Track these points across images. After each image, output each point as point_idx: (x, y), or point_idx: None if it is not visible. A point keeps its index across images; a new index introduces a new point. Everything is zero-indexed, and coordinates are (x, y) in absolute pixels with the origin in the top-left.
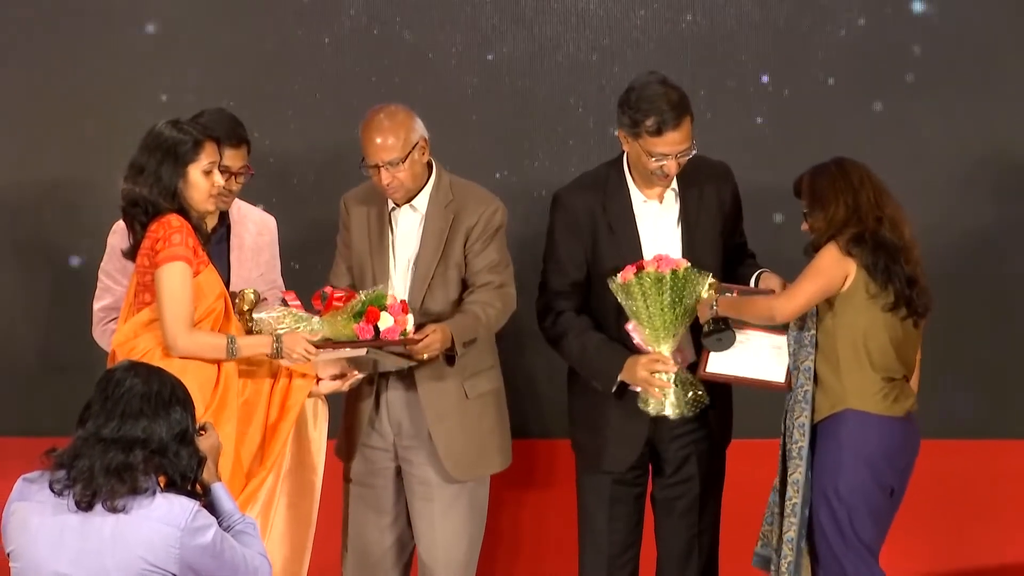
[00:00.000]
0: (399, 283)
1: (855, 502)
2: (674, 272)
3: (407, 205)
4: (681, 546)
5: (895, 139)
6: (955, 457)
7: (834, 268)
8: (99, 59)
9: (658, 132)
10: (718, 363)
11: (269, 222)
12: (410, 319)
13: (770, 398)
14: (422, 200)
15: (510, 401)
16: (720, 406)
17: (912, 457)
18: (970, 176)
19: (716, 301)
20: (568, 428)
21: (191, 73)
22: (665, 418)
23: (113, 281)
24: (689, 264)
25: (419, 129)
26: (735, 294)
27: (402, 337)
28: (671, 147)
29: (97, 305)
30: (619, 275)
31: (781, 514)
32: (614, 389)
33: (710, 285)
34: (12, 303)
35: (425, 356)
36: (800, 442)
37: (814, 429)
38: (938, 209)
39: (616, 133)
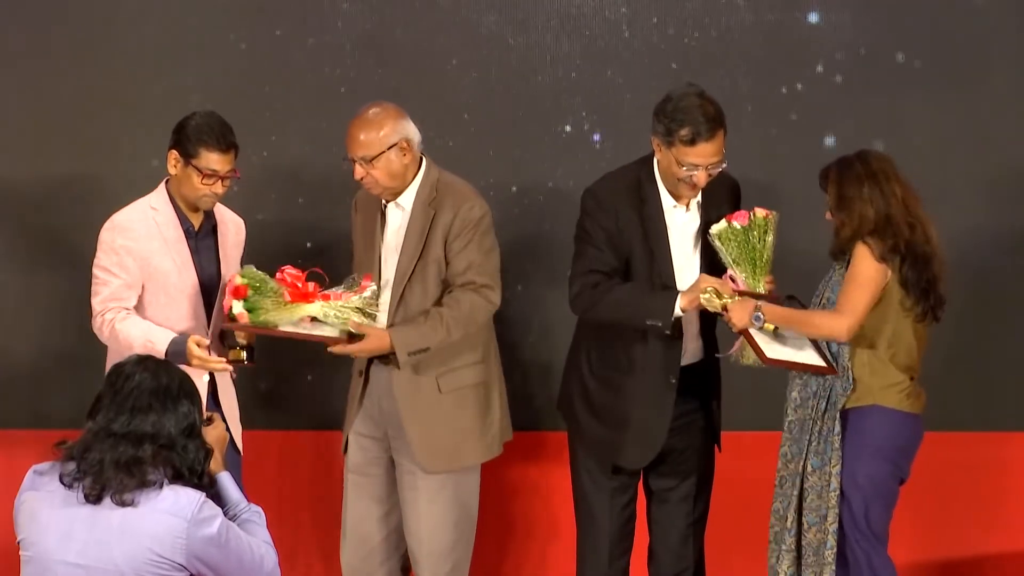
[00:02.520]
0: (384, 281)
1: (872, 493)
2: (768, 217)
3: (393, 203)
4: (676, 535)
5: (890, 139)
6: (944, 449)
7: (877, 275)
8: (104, 58)
9: (691, 142)
10: (774, 351)
11: (241, 224)
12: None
13: (759, 391)
14: (407, 198)
15: (515, 394)
16: (715, 399)
17: (918, 450)
18: (968, 174)
19: (761, 310)
20: (573, 419)
21: (194, 73)
22: (674, 411)
23: (109, 275)
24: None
25: (402, 130)
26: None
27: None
28: (703, 158)
29: (95, 300)
30: (734, 220)
31: (799, 504)
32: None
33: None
34: (21, 297)
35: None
36: (840, 434)
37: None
38: (933, 207)
39: (651, 140)
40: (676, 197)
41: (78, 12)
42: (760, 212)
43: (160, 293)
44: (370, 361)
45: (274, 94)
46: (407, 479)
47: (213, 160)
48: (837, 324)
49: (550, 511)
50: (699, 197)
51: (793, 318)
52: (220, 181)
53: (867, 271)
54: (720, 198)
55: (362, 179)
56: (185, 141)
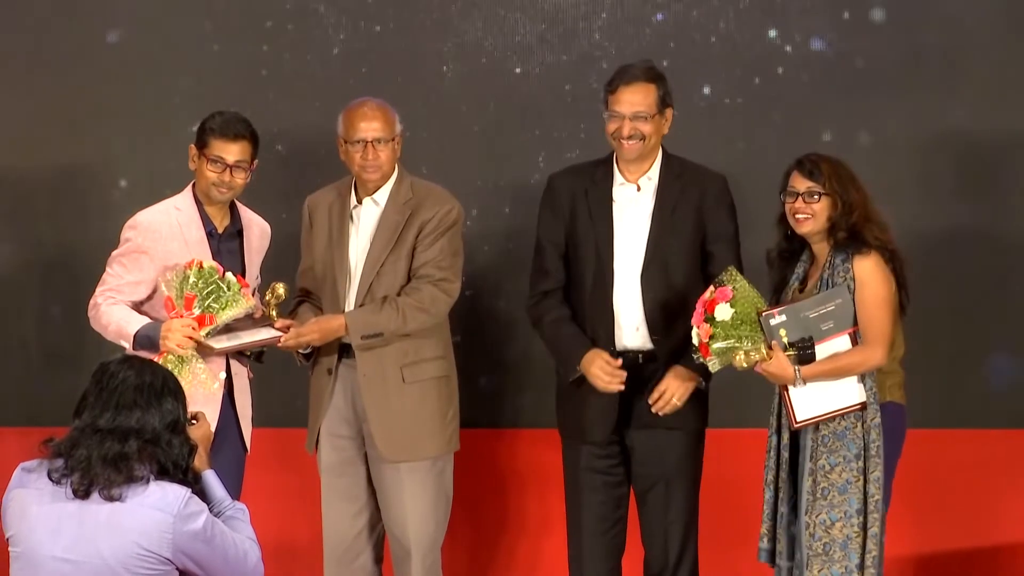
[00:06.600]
0: (355, 273)
1: (886, 483)
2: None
3: (369, 199)
4: (658, 535)
5: (856, 137)
6: (939, 447)
7: (891, 287)
8: (92, 59)
9: (613, 89)
10: (804, 409)
11: (267, 229)
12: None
13: (748, 388)
14: (383, 195)
15: (502, 392)
16: (693, 398)
17: None
18: (927, 173)
19: (799, 372)
20: (556, 413)
21: (188, 76)
22: (631, 403)
23: (122, 269)
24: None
25: (400, 123)
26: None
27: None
28: (625, 106)
29: (97, 289)
30: (724, 302)
31: (795, 509)
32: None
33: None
34: (11, 294)
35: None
36: (877, 441)
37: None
38: (895, 205)
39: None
40: (629, 173)
41: (72, 11)
42: (711, 289)
43: None
44: (339, 359)
45: (269, 97)
46: (390, 473)
47: (219, 147)
48: (872, 357)
49: (545, 509)
50: (653, 177)
51: (830, 370)
52: (229, 170)
53: (880, 289)
54: (688, 183)
55: (372, 159)
56: (200, 132)
